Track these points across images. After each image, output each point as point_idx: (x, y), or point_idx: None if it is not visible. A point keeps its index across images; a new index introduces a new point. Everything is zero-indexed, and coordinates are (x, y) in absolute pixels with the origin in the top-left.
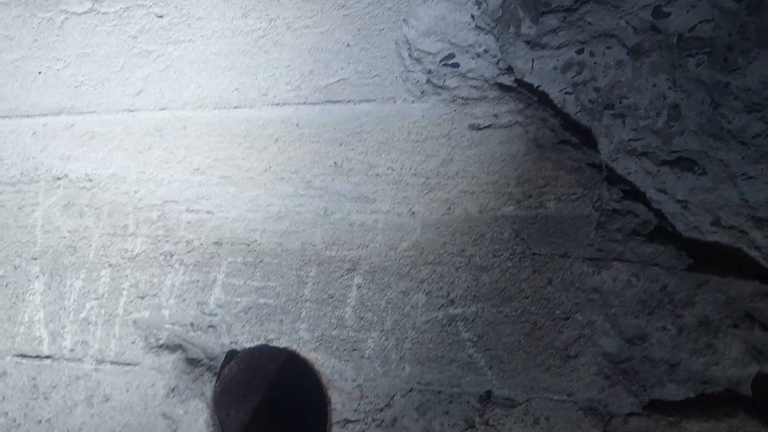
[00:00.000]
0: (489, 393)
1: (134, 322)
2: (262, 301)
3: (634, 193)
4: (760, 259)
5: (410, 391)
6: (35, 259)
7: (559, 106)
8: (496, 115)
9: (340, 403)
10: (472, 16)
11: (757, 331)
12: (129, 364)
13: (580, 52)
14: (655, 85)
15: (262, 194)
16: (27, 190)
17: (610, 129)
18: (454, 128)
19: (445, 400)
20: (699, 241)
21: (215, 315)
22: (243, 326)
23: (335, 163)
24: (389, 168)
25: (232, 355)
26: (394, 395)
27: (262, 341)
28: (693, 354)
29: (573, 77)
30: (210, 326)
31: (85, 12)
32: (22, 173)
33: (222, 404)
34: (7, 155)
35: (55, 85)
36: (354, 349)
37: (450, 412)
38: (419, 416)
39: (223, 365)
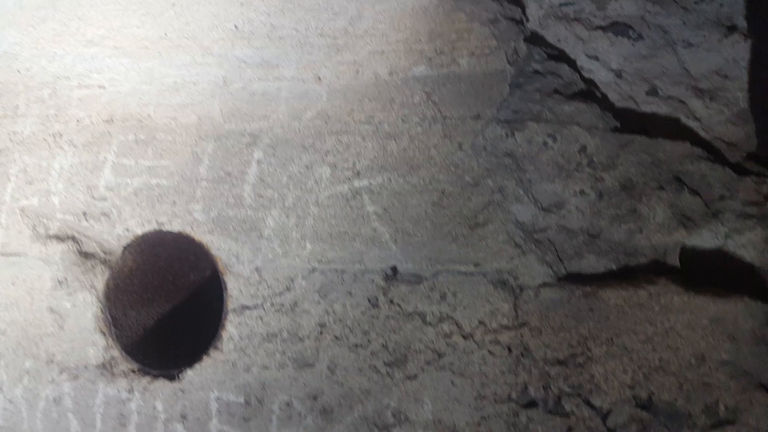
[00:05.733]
0: (394, 270)
1: (22, 210)
2: (154, 181)
3: (562, 58)
4: (699, 129)
5: (312, 271)
6: None
7: None
8: None
9: (236, 289)
10: None
11: (686, 195)
12: (15, 255)
13: None
14: None
15: (157, 65)
16: None
17: None
18: None
19: (348, 280)
20: (634, 112)
21: (105, 199)
22: (133, 210)
23: (235, 26)
24: (294, 29)
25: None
26: (294, 278)
27: (153, 225)
28: (614, 221)
29: None
30: (103, 214)
31: None
32: None
33: (117, 301)
34: None
35: None
36: (252, 229)
37: (353, 292)
38: (320, 298)
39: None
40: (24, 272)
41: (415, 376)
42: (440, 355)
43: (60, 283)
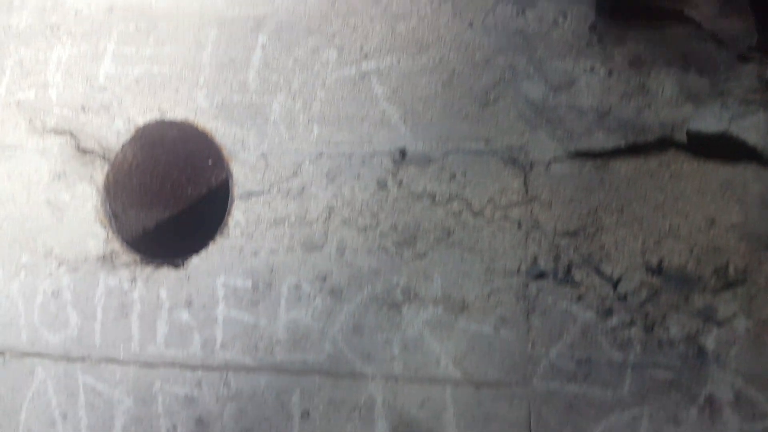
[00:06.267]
0: (403, 152)
1: (18, 103)
2: (156, 69)
3: None
4: (701, 20)
5: (319, 156)
6: None
7: None
8: None
9: (242, 175)
10: None
11: (692, 75)
12: (11, 148)
13: None
14: None
15: None
16: None
17: None
18: None
19: (356, 163)
20: (637, 2)
21: (105, 90)
22: (134, 98)
23: None
24: None
25: None
26: (301, 162)
27: (155, 113)
28: (623, 97)
29: None
30: (102, 106)
31: None
32: None
33: (117, 197)
34: None
35: None
36: (258, 114)
37: (361, 175)
38: (328, 182)
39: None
40: (20, 166)
41: (424, 254)
42: (450, 233)
43: (58, 175)
